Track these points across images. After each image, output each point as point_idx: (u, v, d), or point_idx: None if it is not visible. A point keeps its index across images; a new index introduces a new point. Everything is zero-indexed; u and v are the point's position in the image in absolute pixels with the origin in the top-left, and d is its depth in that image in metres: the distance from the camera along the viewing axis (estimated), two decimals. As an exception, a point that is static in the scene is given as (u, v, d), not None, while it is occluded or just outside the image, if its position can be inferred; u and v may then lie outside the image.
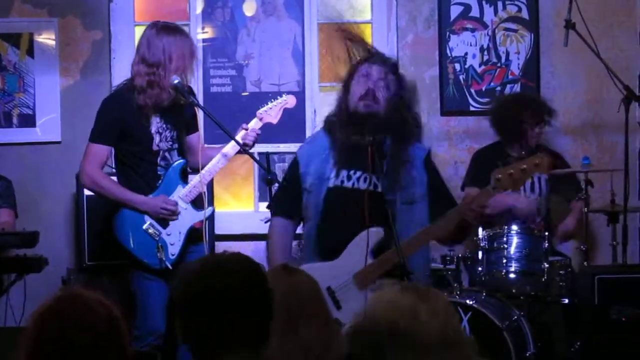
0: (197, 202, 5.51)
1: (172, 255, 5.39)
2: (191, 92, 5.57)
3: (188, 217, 5.46)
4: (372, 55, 4.94)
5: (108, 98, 5.65)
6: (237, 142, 5.36)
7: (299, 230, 5.12)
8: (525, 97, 6.68)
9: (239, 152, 5.51)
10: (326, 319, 3.35)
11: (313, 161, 4.85)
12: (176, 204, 5.40)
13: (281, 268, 3.38)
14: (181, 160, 5.49)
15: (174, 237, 5.41)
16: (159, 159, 5.46)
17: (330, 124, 4.93)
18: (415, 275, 4.44)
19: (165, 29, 5.48)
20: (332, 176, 4.74)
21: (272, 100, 5.68)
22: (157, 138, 5.43)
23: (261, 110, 5.62)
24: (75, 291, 2.40)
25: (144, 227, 5.38)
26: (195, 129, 5.67)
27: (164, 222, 5.40)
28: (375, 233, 4.49)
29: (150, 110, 5.39)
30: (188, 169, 5.60)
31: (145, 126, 5.41)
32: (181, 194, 5.45)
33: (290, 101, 5.72)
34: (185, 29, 6.94)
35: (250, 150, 5.45)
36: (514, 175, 4.50)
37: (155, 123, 5.43)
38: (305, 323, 3.21)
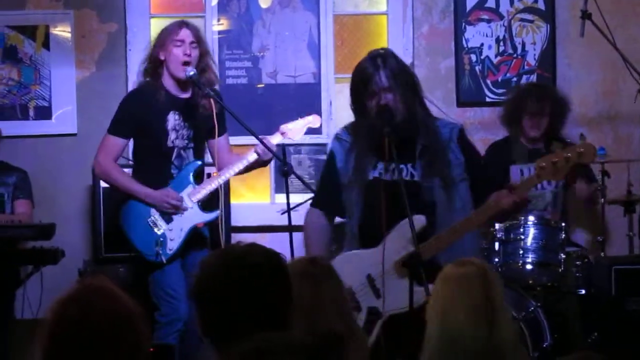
0: (211, 204, 5.55)
1: (170, 250, 5.42)
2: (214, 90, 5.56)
3: (192, 216, 5.48)
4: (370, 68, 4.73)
5: (130, 92, 5.74)
6: (252, 133, 5.36)
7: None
8: (529, 86, 6.67)
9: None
10: (345, 310, 3.35)
11: (350, 156, 4.71)
12: (181, 199, 5.44)
13: (308, 262, 3.38)
14: (197, 162, 5.53)
15: (175, 232, 5.44)
16: (173, 157, 5.49)
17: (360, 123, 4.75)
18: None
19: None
20: (370, 169, 4.64)
21: (298, 118, 5.70)
22: (172, 135, 5.47)
23: (285, 126, 5.64)
24: (98, 281, 2.40)
25: (149, 219, 5.42)
26: (222, 131, 5.61)
27: (168, 216, 5.44)
28: (416, 221, 4.39)
29: (168, 106, 5.42)
30: (206, 173, 5.67)
31: (161, 122, 5.44)
32: (189, 192, 5.47)
33: (315, 121, 5.74)
34: (201, 21, 6.98)
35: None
36: (558, 164, 4.41)
37: (173, 120, 5.46)
38: (325, 316, 3.21)
